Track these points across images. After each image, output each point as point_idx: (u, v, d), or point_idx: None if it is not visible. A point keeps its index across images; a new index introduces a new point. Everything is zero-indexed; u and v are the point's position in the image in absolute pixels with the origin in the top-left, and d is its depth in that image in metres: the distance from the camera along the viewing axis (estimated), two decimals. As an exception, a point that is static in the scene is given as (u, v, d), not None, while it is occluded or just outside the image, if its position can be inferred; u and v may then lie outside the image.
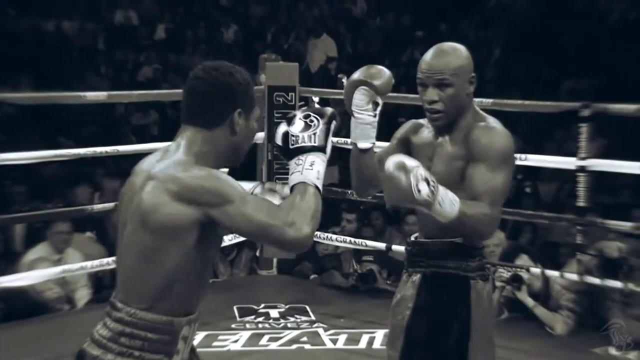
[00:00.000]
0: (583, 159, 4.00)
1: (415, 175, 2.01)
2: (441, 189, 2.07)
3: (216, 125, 1.83)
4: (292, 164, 1.81)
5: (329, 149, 1.82)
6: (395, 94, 5.63)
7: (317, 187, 1.78)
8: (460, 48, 2.30)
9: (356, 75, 2.27)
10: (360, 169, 2.34)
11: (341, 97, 2.33)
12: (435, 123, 2.30)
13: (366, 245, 4.57)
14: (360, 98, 2.25)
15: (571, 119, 7.31)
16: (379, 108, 2.27)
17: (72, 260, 4.57)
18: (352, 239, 4.81)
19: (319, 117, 1.83)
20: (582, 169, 4.00)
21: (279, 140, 1.85)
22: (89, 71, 9.08)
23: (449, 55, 2.26)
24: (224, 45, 10.81)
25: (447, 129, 2.28)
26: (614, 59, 8.39)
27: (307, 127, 1.82)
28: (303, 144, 1.80)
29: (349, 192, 4.69)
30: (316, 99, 2.26)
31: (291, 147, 1.81)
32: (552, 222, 4.28)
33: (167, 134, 7.98)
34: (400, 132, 2.41)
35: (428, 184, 2.03)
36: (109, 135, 6.97)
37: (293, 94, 4.79)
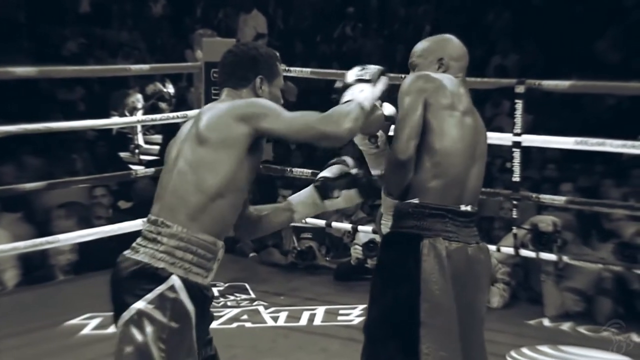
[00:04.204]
0: (519, 134, 4.05)
1: None
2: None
3: (242, 87, 2.23)
4: (347, 95, 2.18)
5: (379, 84, 2.21)
6: (326, 70, 5.68)
7: (361, 104, 2.14)
8: (440, 35, 2.51)
9: None
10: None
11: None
12: None
13: (306, 222, 4.56)
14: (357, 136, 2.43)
15: (499, 96, 7.52)
16: (382, 139, 2.43)
17: (0, 241, 4.42)
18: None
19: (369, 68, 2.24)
20: (517, 144, 4.05)
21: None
22: (11, 45, 8.74)
23: (422, 42, 2.50)
24: (151, 19, 10.60)
25: None
26: (540, 36, 8.56)
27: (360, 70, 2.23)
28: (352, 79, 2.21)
29: (288, 169, 4.67)
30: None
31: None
32: (488, 197, 4.34)
33: (95, 110, 7.76)
34: None
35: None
36: (34, 111, 6.74)
37: (230, 69, 4.70)
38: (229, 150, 2.08)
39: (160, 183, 2.18)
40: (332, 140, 2.13)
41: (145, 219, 2.19)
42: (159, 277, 2.05)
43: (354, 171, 2.27)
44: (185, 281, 2.06)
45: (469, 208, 2.34)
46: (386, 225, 2.39)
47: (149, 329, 2.03)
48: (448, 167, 2.30)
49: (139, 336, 2.03)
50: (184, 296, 2.05)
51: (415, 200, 2.30)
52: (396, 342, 2.24)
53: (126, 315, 2.05)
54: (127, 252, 2.14)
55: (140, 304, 2.03)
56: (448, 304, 2.24)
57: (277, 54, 2.30)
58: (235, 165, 2.09)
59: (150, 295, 2.04)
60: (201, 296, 2.09)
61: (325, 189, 2.26)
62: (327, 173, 2.29)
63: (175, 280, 2.05)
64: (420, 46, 2.49)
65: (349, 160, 2.30)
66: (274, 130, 2.11)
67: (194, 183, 2.08)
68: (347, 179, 2.26)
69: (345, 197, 2.27)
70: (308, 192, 2.30)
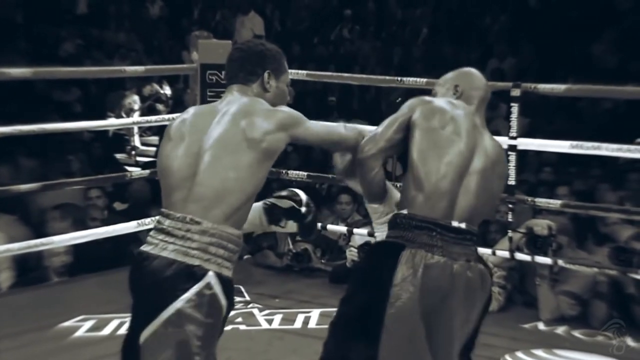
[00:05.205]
0: (514, 138, 4.04)
1: None
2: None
3: (251, 82, 2.29)
4: None
5: None
6: (321, 72, 5.69)
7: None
8: (464, 68, 2.61)
9: None
10: None
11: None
12: None
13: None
14: None
15: (496, 99, 7.52)
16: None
17: (-4, 243, 4.40)
18: (286, 218, 4.77)
19: None
20: (513, 147, 4.04)
21: None
22: (8, 46, 8.74)
23: (448, 73, 2.61)
24: (149, 21, 10.60)
25: None
26: (537, 40, 8.57)
27: None
28: None
29: (283, 171, 4.66)
30: None
31: None
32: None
33: (91, 112, 7.70)
34: None
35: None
36: (30, 112, 6.73)
37: (226, 72, 4.69)
38: (269, 159, 2.18)
39: (174, 174, 2.16)
40: (346, 146, 2.37)
41: (150, 219, 2.21)
42: (195, 274, 2.08)
43: (303, 209, 2.36)
44: (219, 276, 2.10)
45: (462, 225, 2.33)
46: (380, 237, 2.42)
47: (187, 327, 2.06)
48: (427, 181, 2.32)
49: (178, 335, 2.06)
50: (219, 291, 2.09)
51: (404, 211, 2.33)
52: (357, 343, 2.27)
53: (165, 315, 2.06)
54: (149, 249, 2.13)
55: (179, 304, 2.06)
56: (414, 314, 2.24)
57: (280, 50, 2.37)
58: (267, 171, 2.20)
59: (188, 294, 2.06)
60: (231, 289, 2.15)
61: (273, 217, 2.37)
62: (278, 202, 2.38)
63: (211, 277, 2.09)
64: (443, 77, 2.61)
65: (303, 196, 2.39)
66: (305, 136, 2.25)
67: (238, 184, 2.12)
68: (295, 213, 2.36)
69: (290, 227, 2.39)
70: (256, 211, 2.37)
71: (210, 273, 2.08)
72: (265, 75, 2.29)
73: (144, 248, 2.16)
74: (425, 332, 2.26)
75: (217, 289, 2.09)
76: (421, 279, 2.25)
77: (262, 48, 2.32)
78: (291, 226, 2.37)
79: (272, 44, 2.39)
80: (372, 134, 2.40)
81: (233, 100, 2.25)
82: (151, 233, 2.19)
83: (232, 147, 2.14)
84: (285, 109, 2.26)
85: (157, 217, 2.20)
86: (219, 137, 2.16)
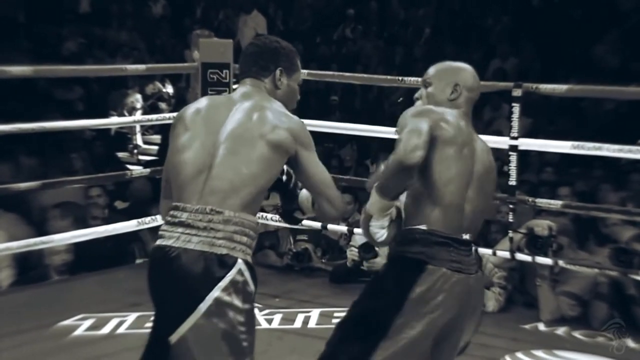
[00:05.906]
0: (515, 138, 4.04)
1: None
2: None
3: (263, 77, 2.31)
4: None
5: None
6: (323, 72, 5.68)
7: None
8: (457, 62, 2.49)
9: None
10: None
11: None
12: None
13: (301, 224, 4.53)
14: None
15: (498, 99, 7.51)
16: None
17: (-4, 240, 4.40)
18: (287, 218, 4.77)
19: None
20: (514, 148, 4.03)
21: None
22: (10, 45, 8.74)
23: (441, 64, 2.49)
24: (151, 19, 10.60)
25: None
26: (539, 40, 8.55)
27: None
28: None
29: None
30: None
31: None
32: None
33: (94, 110, 7.65)
34: None
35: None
36: (32, 111, 6.72)
37: (227, 71, 4.69)
38: (279, 154, 2.17)
39: (189, 167, 2.16)
40: (329, 205, 2.26)
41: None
42: (226, 263, 2.09)
43: (284, 178, 2.35)
44: (246, 263, 2.13)
45: (468, 237, 2.35)
46: (378, 226, 2.37)
47: (230, 315, 2.08)
48: (443, 195, 2.30)
49: (222, 324, 2.07)
50: (248, 277, 2.13)
51: (423, 227, 2.31)
52: (357, 345, 2.27)
53: (203, 306, 2.06)
54: (171, 243, 2.12)
55: (216, 293, 2.07)
56: (421, 330, 2.25)
57: (294, 48, 2.38)
58: (279, 167, 2.21)
59: (222, 283, 2.07)
60: (255, 275, 2.16)
61: None
62: None
63: (241, 264, 2.11)
64: (437, 67, 2.47)
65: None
66: (306, 162, 2.21)
67: (251, 179, 2.14)
68: (277, 183, 2.32)
69: (272, 198, 2.42)
70: None
71: (240, 260, 2.11)
72: (277, 72, 2.30)
73: (163, 242, 2.14)
74: (431, 347, 2.29)
75: (247, 275, 2.12)
76: (443, 298, 2.26)
77: (276, 45, 2.34)
78: (273, 197, 2.38)
79: (287, 42, 2.39)
80: (407, 141, 2.19)
81: (248, 94, 2.27)
82: (165, 227, 2.17)
83: (245, 141, 2.16)
84: (302, 123, 2.25)
85: (170, 211, 2.17)
86: (234, 131, 2.18)
